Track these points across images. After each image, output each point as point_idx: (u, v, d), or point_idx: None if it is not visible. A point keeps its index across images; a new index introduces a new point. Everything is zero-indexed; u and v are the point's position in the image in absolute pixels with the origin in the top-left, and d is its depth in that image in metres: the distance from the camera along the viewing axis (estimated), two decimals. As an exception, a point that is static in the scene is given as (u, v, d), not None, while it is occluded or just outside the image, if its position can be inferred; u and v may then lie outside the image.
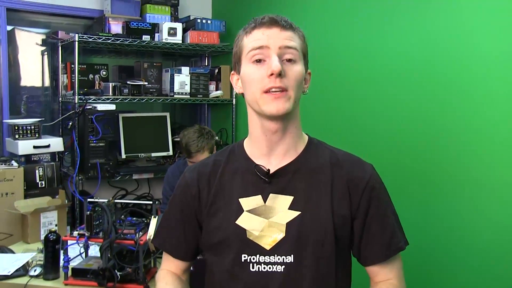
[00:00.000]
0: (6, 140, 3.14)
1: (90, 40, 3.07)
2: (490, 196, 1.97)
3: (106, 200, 2.02)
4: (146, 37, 3.26)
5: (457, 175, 2.09)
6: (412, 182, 2.29)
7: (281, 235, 1.16)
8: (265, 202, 1.19)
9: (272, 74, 1.11)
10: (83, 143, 3.06)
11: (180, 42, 3.38)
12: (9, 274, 2.05)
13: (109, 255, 1.89)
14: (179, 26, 3.38)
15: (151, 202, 2.19)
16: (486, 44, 1.97)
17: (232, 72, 1.27)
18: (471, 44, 2.02)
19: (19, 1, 3.25)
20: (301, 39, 1.20)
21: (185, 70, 3.44)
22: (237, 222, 1.19)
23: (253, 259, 1.17)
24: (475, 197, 2.02)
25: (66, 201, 2.82)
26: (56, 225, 2.65)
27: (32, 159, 2.97)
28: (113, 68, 3.57)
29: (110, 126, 3.18)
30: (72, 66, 3.13)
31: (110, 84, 3.19)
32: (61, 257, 2.02)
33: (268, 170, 1.20)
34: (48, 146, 3.00)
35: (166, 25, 3.32)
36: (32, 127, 2.98)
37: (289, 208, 1.18)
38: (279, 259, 1.16)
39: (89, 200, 2.08)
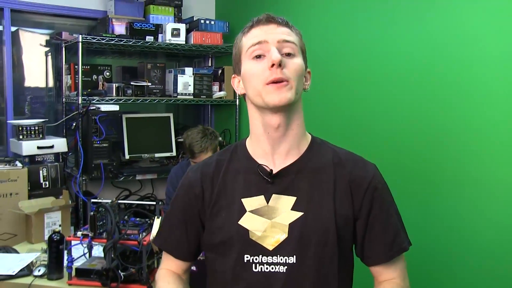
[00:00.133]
0: (10, 140, 3.15)
1: (93, 41, 3.08)
2: (490, 196, 1.97)
3: (109, 201, 2.03)
4: (149, 38, 3.27)
5: (457, 175, 2.09)
6: (412, 181, 2.29)
7: (284, 235, 1.16)
8: (267, 202, 1.19)
9: (273, 65, 1.11)
10: (86, 144, 3.07)
11: (184, 42, 3.39)
12: (14, 274, 2.05)
13: (112, 256, 1.89)
14: (182, 27, 3.38)
15: (154, 203, 2.19)
16: (487, 44, 1.97)
17: (233, 75, 1.27)
18: (472, 45, 2.02)
19: (23, 2, 3.26)
20: (298, 36, 1.21)
21: (189, 70, 3.44)
22: (239, 222, 1.19)
23: (256, 259, 1.17)
24: (475, 197, 2.02)
25: (70, 201, 2.83)
26: (60, 226, 2.65)
27: (36, 159, 2.98)
28: (116, 68, 3.57)
29: (113, 126, 3.19)
30: (76, 67, 3.14)
31: (114, 84, 3.20)
32: (65, 257, 2.03)
33: (271, 170, 1.20)
34: (52, 146, 3.01)
35: (169, 26, 3.33)
36: (36, 128, 2.99)
37: (292, 209, 1.18)
38: (281, 259, 1.16)
39: (92, 200, 2.08)
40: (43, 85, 3.57)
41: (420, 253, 2.15)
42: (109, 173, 3.12)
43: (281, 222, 1.17)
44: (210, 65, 3.94)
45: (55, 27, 3.53)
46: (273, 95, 1.13)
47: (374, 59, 2.51)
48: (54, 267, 2.03)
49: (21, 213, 2.61)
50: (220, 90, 3.65)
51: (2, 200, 2.68)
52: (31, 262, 2.17)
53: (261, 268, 1.16)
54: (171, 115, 3.59)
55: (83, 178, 3.10)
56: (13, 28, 3.31)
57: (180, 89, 3.39)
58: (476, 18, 2.00)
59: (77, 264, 2.05)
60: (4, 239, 2.64)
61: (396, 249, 1.22)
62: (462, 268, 2.08)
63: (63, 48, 3.32)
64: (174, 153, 3.53)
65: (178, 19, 3.52)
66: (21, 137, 2.94)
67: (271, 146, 1.21)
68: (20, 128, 2.95)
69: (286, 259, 1.16)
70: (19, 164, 2.87)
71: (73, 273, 2.00)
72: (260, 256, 1.17)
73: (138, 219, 2.16)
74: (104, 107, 3.07)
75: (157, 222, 1.96)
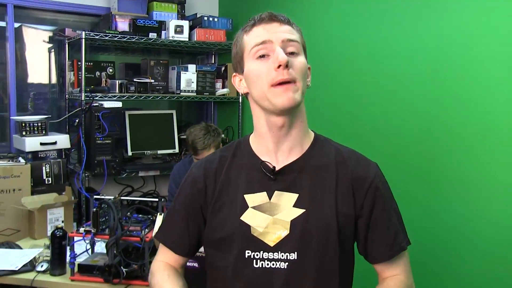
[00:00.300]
0: (14, 136, 3.16)
1: (96, 37, 3.08)
2: (490, 196, 1.97)
3: (112, 197, 2.04)
4: (152, 35, 3.27)
5: (458, 175, 2.09)
6: (413, 180, 2.29)
7: (285, 232, 1.16)
8: (270, 199, 1.19)
9: (279, 66, 1.11)
10: (89, 140, 3.07)
11: (187, 39, 3.38)
12: (17, 269, 2.07)
13: (115, 252, 1.90)
14: (185, 24, 3.38)
15: (157, 199, 2.19)
16: (490, 45, 1.96)
17: (234, 74, 1.27)
18: (475, 45, 2.01)
19: (27, -2, 3.27)
20: (299, 33, 1.22)
21: (192, 67, 3.44)
22: (241, 218, 1.19)
23: (257, 255, 1.17)
24: (476, 196, 2.02)
25: (73, 197, 2.84)
26: (62, 222, 2.66)
27: (39, 155, 2.99)
28: (119, 65, 3.58)
29: (116, 123, 3.18)
30: (79, 63, 3.14)
31: (117, 81, 3.20)
32: (68, 253, 2.04)
33: (274, 167, 1.20)
34: (55, 143, 3.01)
35: (172, 23, 3.33)
36: (39, 124, 3.00)
37: (294, 206, 1.18)
38: (282, 256, 1.16)
39: (95, 197, 2.08)
40: (46, 81, 3.57)
41: (421, 252, 2.15)
42: (112, 169, 3.12)
43: (283, 218, 1.17)
44: (213, 62, 3.93)
45: (58, 23, 3.53)
46: (280, 98, 1.13)
47: (377, 58, 2.50)
48: (57, 263, 2.04)
49: (24, 209, 2.62)
50: (223, 87, 3.65)
51: (5, 196, 2.69)
52: (34, 258, 2.18)
53: (262, 264, 1.17)
54: (174, 112, 3.59)
55: (86, 175, 3.11)
56: (16, 25, 3.31)
57: (183, 86, 3.39)
58: (481, 18, 1.99)
59: (79, 260, 2.06)
60: (7, 234, 2.65)
61: (396, 248, 1.23)
62: (462, 267, 2.07)
63: (66, 45, 3.32)
64: (177, 150, 3.54)
65: (181, 16, 3.52)
66: (24, 133, 2.95)
67: (274, 144, 1.21)
68: (23, 124, 2.96)
69: (287, 256, 1.16)
70: (22, 160, 2.88)
71: (76, 269, 2.00)
72: (261, 252, 1.17)
73: (140, 215, 2.17)
74: (107, 104, 3.07)
75: (159, 219, 1.96)
